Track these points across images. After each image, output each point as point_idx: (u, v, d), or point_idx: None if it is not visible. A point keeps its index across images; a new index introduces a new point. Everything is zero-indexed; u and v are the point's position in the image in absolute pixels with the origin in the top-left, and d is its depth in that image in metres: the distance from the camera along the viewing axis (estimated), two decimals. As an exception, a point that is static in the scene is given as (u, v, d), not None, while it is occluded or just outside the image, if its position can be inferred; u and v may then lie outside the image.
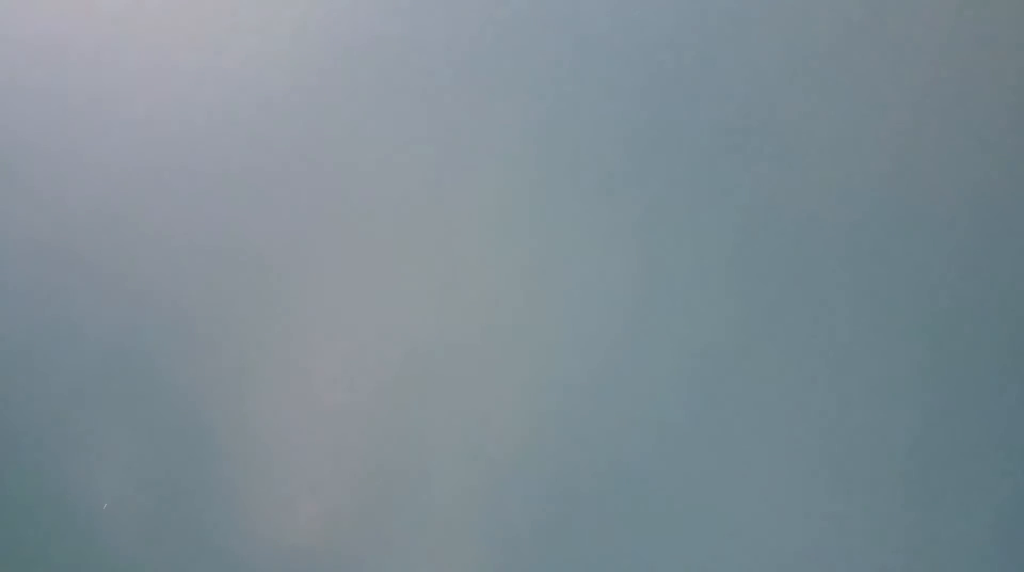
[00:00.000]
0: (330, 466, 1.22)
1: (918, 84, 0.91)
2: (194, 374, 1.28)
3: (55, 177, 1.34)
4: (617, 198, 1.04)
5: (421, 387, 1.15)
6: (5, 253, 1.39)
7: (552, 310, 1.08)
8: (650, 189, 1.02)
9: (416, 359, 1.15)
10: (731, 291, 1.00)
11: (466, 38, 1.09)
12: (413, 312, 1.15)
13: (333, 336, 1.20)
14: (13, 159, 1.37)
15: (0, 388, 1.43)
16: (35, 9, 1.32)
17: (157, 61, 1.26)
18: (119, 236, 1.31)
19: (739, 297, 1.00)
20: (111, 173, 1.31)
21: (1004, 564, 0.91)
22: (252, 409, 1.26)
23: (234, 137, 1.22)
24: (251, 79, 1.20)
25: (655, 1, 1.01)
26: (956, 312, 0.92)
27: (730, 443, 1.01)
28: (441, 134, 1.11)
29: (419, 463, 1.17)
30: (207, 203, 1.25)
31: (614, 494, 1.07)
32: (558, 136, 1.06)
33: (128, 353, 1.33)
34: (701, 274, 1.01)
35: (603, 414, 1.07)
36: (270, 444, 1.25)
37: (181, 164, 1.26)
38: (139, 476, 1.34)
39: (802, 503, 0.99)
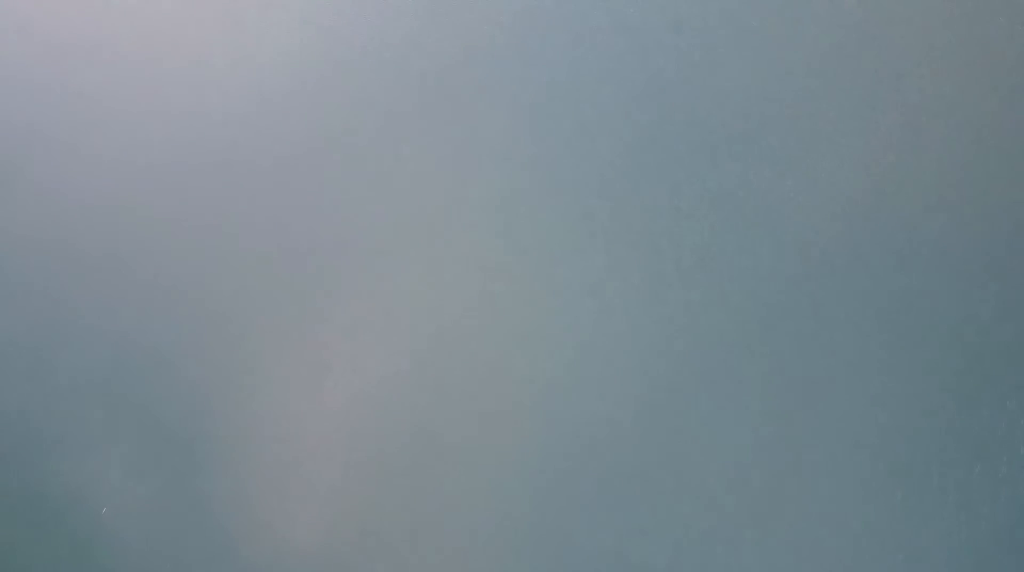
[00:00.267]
0: (334, 468, 1.22)
1: (919, 85, 0.91)
2: (196, 376, 1.28)
3: (58, 174, 1.34)
4: (618, 200, 1.04)
5: (426, 388, 1.15)
6: (7, 251, 1.39)
7: (554, 310, 1.08)
8: (651, 190, 1.02)
9: (420, 360, 1.15)
10: (732, 291, 1.00)
11: (470, 41, 1.09)
12: (418, 312, 1.15)
13: (337, 337, 1.20)
14: (15, 157, 1.37)
15: (1, 390, 1.42)
16: (46, 6, 1.32)
17: (164, 57, 1.26)
18: (122, 234, 1.31)
19: (740, 297, 1.00)
20: (113, 171, 1.30)
21: (1006, 566, 0.92)
22: (253, 411, 1.26)
23: (239, 136, 1.22)
24: (254, 76, 1.20)
25: (655, 2, 1.01)
26: (957, 314, 0.92)
27: (733, 442, 1.01)
28: (444, 134, 1.11)
29: (424, 465, 1.17)
30: (209, 203, 1.25)
31: (619, 492, 1.07)
32: (559, 136, 1.06)
33: (128, 355, 1.33)
34: (701, 275, 1.01)
35: (606, 412, 1.07)
36: (273, 445, 1.25)
37: (183, 163, 1.26)
38: (140, 479, 1.34)
39: (801, 500, 0.99)
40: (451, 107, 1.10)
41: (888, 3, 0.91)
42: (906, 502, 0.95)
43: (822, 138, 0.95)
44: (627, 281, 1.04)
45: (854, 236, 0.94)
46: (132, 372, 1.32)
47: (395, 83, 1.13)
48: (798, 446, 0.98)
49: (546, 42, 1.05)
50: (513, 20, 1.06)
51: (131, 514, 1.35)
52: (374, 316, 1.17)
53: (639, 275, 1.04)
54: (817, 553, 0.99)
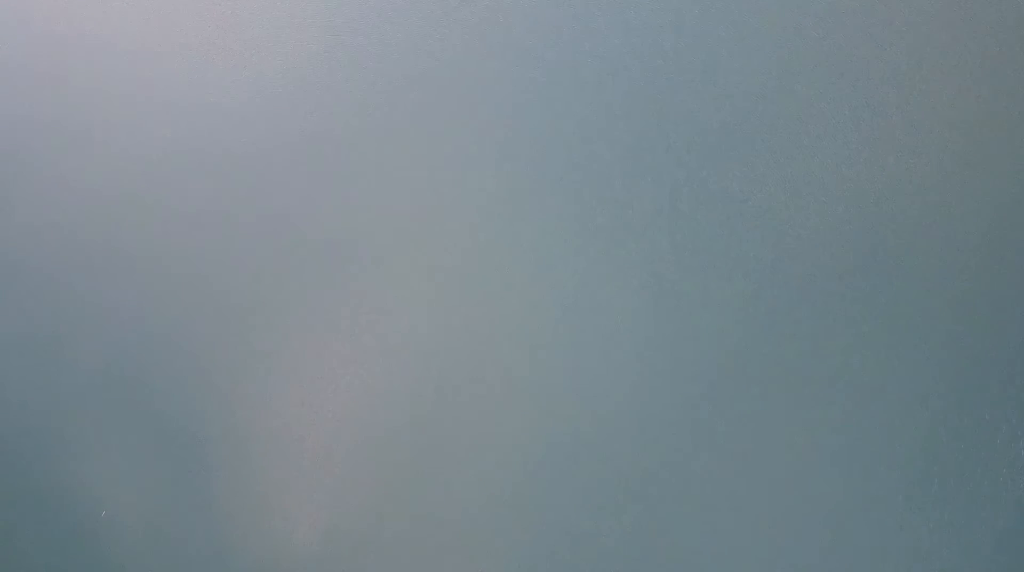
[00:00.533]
0: (335, 467, 1.22)
1: (920, 85, 0.91)
2: (200, 371, 1.28)
3: (65, 169, 1.35)
4: (618, 201, 1.04)
5: (427, 387, 1.15)
6: (14, 246, 1.40)
7: (554, 309, 1.08)
8: (652, 191, 1.02)
9: (421, 359, 1.15)
10: (732, 291, 1.00)
11: (471, 42, 1.09)
12: (418, 312, 1.15)
13: (339, 335, 1.20)
14: (21, 152, 1.37)
15: (6, 384, 1.43)
16: (51, 4, 1.33)
17: (171, 55, 1.26)
18: (128, 229, 1.31)
19: (740, 297, 0.99)
20: (119, 167, 1.31)
21: (1007, 569, 0.91)
22: (255, 408, 1.26)
23: (244, 133, 1.23)
24: (259, 74, 1.21)
25: (655, 3, 1.01)
26: (957, 317, 0.92)
27: (733, 443, 1.01)
28: (444, 135, 1.12)
29: (425, 464, 1.16)
30: (215, 200, 1.25)
31: (618, 491, 1.07)
32: (559, 137, 1.06)
33: (133, 351, 1.33)
34: (701, 275, 1.01)
35: (606, 412, 1.07)
36: (276, 443, 1.25)
37: (188, 159, 1.26)
38: (139, 482, 1.34)
39: (801, 504, 0.99)
40: (452, 107, 1.10)
41: (888, 4, 0.92)
42: (907, 506, 0.94)
43: (823, 139, 0.95)
44: (627, 281, 1.04)
45: (854, 237, 0.94)
46: (137, 366, 1.32)
47: (396, 83, 1.13)
48: (797, 449, 0.98)
49: (547, 43, 1.05)
50: (514, 21, 1.07)
51: (133, 512, 1.35)
52: (376, 314, 1.17)
53: (639, 275, 1.03)
54: (817, 555, 0.98)
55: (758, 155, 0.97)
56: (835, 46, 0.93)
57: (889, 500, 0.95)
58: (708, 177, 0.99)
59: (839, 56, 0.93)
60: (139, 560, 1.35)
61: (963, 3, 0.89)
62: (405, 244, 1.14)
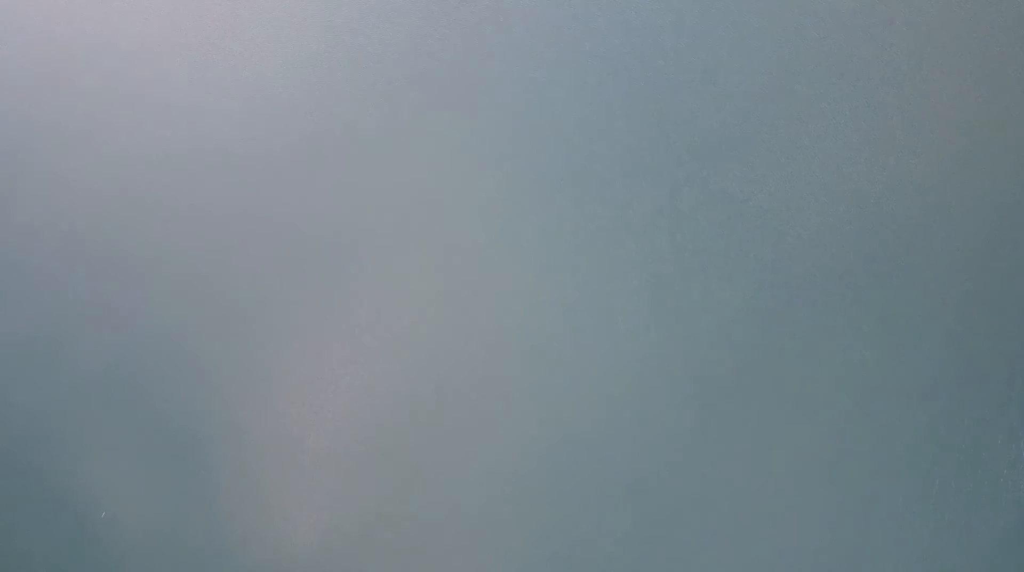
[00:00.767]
0: (337, 467, 1.22)
1: (920, 86, 0.91)
2: (202, 369, 1.28)
3: (67, 168, 1.35)
4: (618, 201, 1.04)
5: (424, 394, 1.15)
6: (16, 244, 1.40)
7: (554, 310, 1.08)
8: (652, 191, 1.02)
9: (422, 359, 1.15)
10: (732, 292, 1.00)
11: (472, 42, 1.09)
12: (419, 312, 1.15)
13: (341, 334, 1.20)
14: (23, 151, 1.37)
15: (9, 383, 1.43)
16: (53, 4, 1.33)
17: (172, 55, 1.26)
18: (130, 228, 1.31)
19: (740, 298, 0.99)
20: (121, 166, 1.31)
21: (1008, 569, 0.91)
22: (254, 413, 1.26)
23: (245, 132, 1.23)
24: (260, 73, 1.21)
25: (656, 3, 1.01)
26: (957, 318, 0.92)
27: (733, 444, 1.01)
28: (445, 135, 1.12)
29: (421, 472, 1.16)
30: (216, 199, 1.25)
31: (617, 492, 1.07)
32: (559, 137, 1.06)
33: (129, 358, 1.33)
34: (701, 275, 1.01)
35: (607, 413, 1.07)
36: (278, 442, 1.25)
37: (190, 158, 1.26)
38: (139, 483, 1.34)
39: (801, 505, 0.99)
40: (452, 107, 1.10)
41: (888, 4, 0.92)
42: (907, 506, 0.94)
43: (823, 139, 0.95)
44: (627, 281, 1.04)
45: (854, 237, 0.94)
46: (137, 366, 1.32)
47: (396, 83, 1.13)
48: (797, 449, 0.98)
49: (547, 43, 1.05)
50: (514, 21, 1.07)
51: (133, 512, 1.35)
52: (376, 314, 1.17)
53: (639, 275, 1.03)
54: (818, 555, 0.98)
55: (758, 155, 0.97)
56: (835, 46, 0.93)
57: (889, 500, 0.95)
58: (708, 177, 0.99)
59: (839, 56, 0.93)
60: (139, 560, 1.35)
61: (963, 3, 0.89)
62: (405, 244, 1.14)
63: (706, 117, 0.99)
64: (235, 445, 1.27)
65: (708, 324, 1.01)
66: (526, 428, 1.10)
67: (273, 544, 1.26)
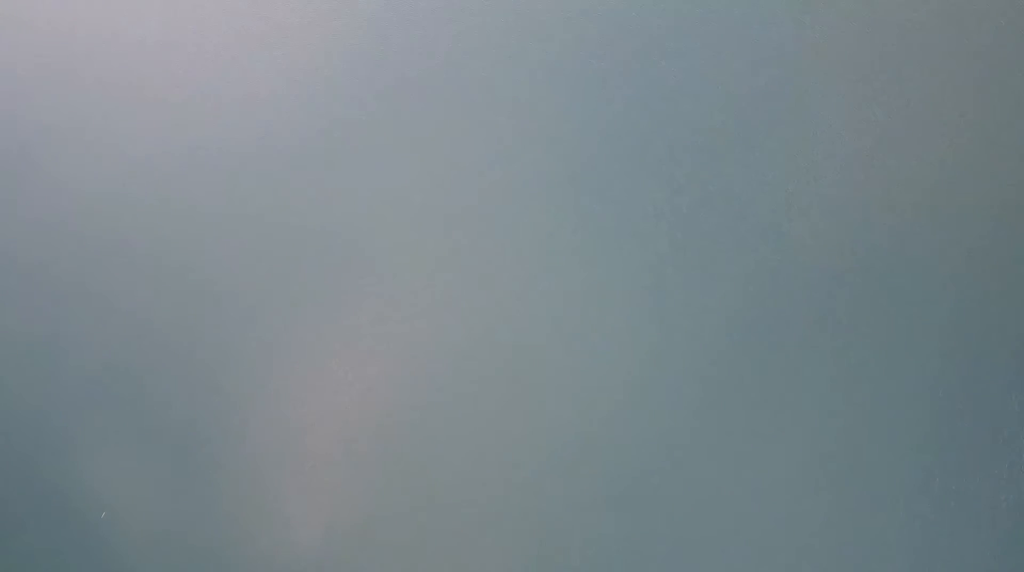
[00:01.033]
0: (337, 466, 1.22)
1: (921, 86, 0.91)
2: (202, 367, 1.28)
3: (68, 167, 1.35)
4: (618, 202, 1.04)
5: (424, 394, 1.15)
6: (18, 243, 1.40)
7: (554, 310, 1.08)
8: (652, 192, 1.02)
9: (419, 364, 1.15)
10: (732, 292, 1.00)
11: (472, 43, 1.09)
12: (419, 312, 1.15)
13: (336, 340, 1.20)
14: (25, 150, 1.37)
15: (8, 382, 1.43)
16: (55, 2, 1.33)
17: (173, 55, 1.26)
18: (130, 227, 1.31)
19: (740, 298, 0.99)
20: (121, 165, 1.31)
21: (1008, 569, 0.91)
22: (254, 413, 1.26)
23: (245, 131, 1.23)
24: (260, 73, 1.21)
25: (656, 4, 1.01)
26: (958, 316, 0.92)
27: (733, 444, 1.01)
28: (445, 135, 1.12)
29: (422, 472, 1.16)
30: (217, 198, 1.25)
31: (618, 493, 1.06)
32: (559, 138, 1.06)
33: (129, 358, 1.33)
34: (702, 276, 1.01)
35: (607, 413, 1.06)
36: (272, 450, 1.25)
37: (189, 158, 1.26)
38: (139, 483, 1.34)
39: (802, 504, 0.98)
40: (451, 108, 1.10)
41: (889, 4, 0.91)
42: (907, 506, 0.94)
43: (823, 140, 0.94)
44: (627, 282, 1.04)
45: (854, 237, 0.94)
46: (137, 366, 1.32)
47: (396, 83, 1.13)
48: (797, 449, 0.98)
49: (548, 44, 1.05)
50: (515, 21, 1.06)
51: (133, 512, 1.35)
52: (377, 315, 1.17)
53: (639, 276, 1.03)
54: (817, 555, 0.98)
55: (758, 155, 0.97)
56: (835, 46, 0.93)
57: (889, 500, 0.95)
58: (708, 177, 0.99)
59: (839, 56, 0.93)
60: (139, 561, 1.35)
61: (963, 3, 0.89)
62: (405, 244, 1.14)
63: (706, 117, 0.99)
64: (235, 445, 1.27)
65: (708, 324, 1.01)
66: (526, 428, 1.10)
67: (273, 544, 1.26)
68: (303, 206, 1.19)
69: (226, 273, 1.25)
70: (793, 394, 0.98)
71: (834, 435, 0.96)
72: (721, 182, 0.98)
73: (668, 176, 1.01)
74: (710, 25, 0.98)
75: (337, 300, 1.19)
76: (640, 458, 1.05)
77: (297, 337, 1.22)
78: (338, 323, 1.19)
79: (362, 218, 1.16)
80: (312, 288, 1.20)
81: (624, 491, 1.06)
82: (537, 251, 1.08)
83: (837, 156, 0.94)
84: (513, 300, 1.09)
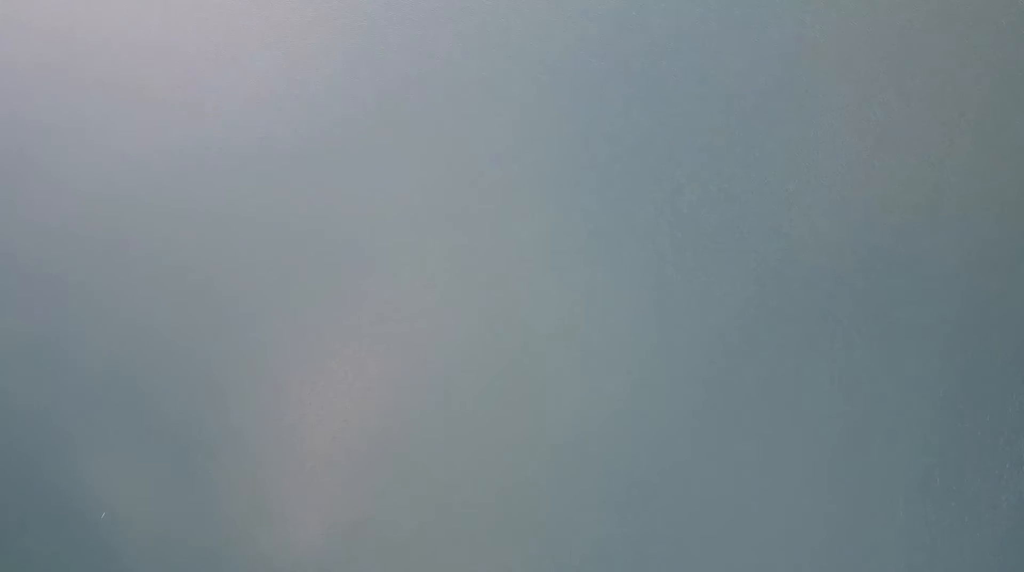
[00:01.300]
0: (333, 475, 1.22)
1: (921, 86, 0.91)
2: (203, 367, 1.28)
3: (69, 167, 1.35)
4: (618, 202, 1.04)
5: (424, 395, 1.15)
6: (19, 243, 1.40)
7: (555, 311, 1.08)
8: (652, 192, 1.02)
9: (419, 365, 1.15)
10: (732, 292, 1.00)
11: (472, 43, 1.09)
12: (420, 312, 1.15)
13: (336, 340, 1.20)
14: (26, 150, 1.37)
15: (10, 382, 1.43)
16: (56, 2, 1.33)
17: (178, 55, 1.26)
18: (131, 227, 1.31)
19: (741, 298, 0.99)
20: (122, 165, 1.31)
21: (1009, 569, 0.91)
22: (255, 413, 1.26)
23: (246, 131, 1.23)
24: (260, 72, 1.21)
25: (657, 4, 1.01)
26: (958, 317, 0.92)
27: (734, 444, 1.01)
28: (445, 135, 1.12)
29: (422, 473, 1.16)
30: (218, 198, 1.25)
31: (618, 493, 1.06)
32: (559, 138, 1.06)
33: (129, 358, 1.33)
34: (702, 276, 1.01)
35: (607, 413, 1.06)
36: (273, 450, 1.25)
37: (190, 158, 1.26)
38: (139, 483, 1.34)
39: (802, 503, 0.99)
40: (451, 108, 1.10)
41: (889, 4, 0.91)
42: (908, 506, 0.94)
43: (823, 140, 0.94)
44: (627, 282, 1.04)
45: (854, 237, 0.94)
46: (138, 366, 1.32)
47: (396, 83, 1.13)
48: (798, 449, 0.98)
49: (548, 44, 1.05)
50: (515, 21, 1.06)
51: (133, 513, 1.35)
52: (377, 315, 1.17)
53: (639, 277, 1.03)
54: (818, 555, 0.98)
55: (759, 155, 0.97)
56: (835, 46, 0.93)
57: (890, 500, 0.95)
58: (709, 178, 0.99)
59: (840, 56, 0.93)
60: (139, 561, 1.35)
61: (963, 3, 0.89)
62: (405, 245, 1.14)
63: (707, 117, 0.99)
64: (236, 446, 1.27)
65: (709, 324, 1.01)
66: (526, 429, 1.10)
67: (273, 544, 1.26)
68: (303, 206, 1.19)
69: (226, 273, 1.25)
70: (794, 394, 0.98)
71: (835, 435, 0.96)
72: (721, 182, 0.98)
73: (668, 176, 1.01)
74: (710, 25, 0.98)
75: (337, 300, 1.19)
76: (640, 458, 1.05)
77: (297, 337, 1.22)
78: (338, 323, 1.19)
79: (362, 218, 1.16)
80: (312, 288, 1.20)
81: (624, 491, 1.06)
82: (537, 251, 1.08)
83: (837, 156, 0.94)
84: (514, 300, 1.09)
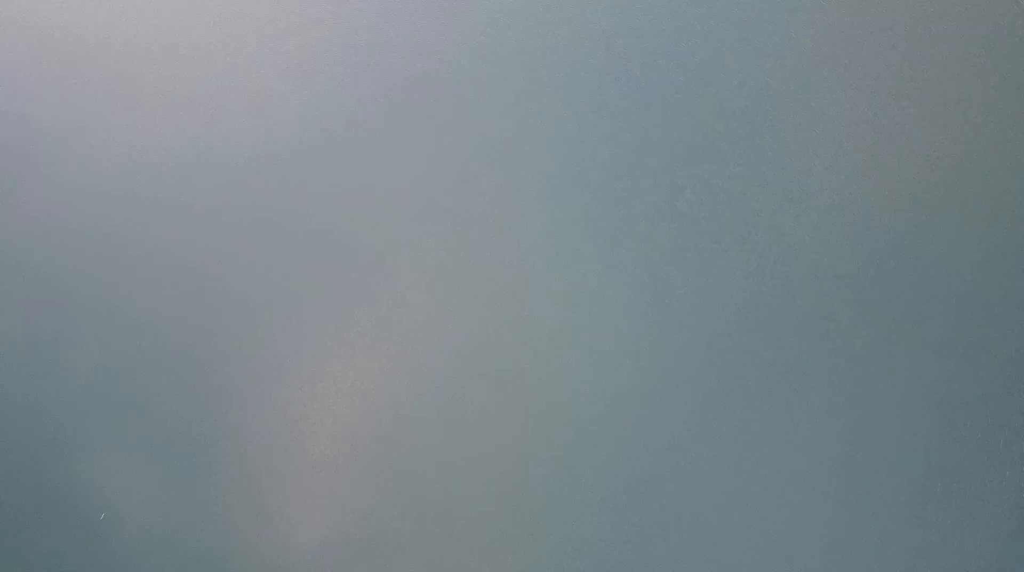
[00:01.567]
0: (333, 476, 1.22)
1: (921, 87, 0.91)
2: (204, 368, 1.28)
3: (70, 168, 1.35)
4: (618, 202, 1.04)
5: (424, 395, 1.15)
6: (20, 244, 1.40)
7: (555, 311, 1.08)
8: (652, 192, 1.02)
9: (419, 366, 1.15)
10: (732, 292, 1.00)
11: (472, 43, 1.09)
12: (420, 313, 1.15)
13: (337, 341, 1.20)
14: (27, 151, 1.37)
15: (11, 383, 1.43)
16: (56, 3, 1.33)
17: (177, 55, 1.26)
18: (131, 227, 1.31)
19: (741, 299, 0.99)
20: (123, 166, 1.31)
21: (1009, 569, 0.91)
22: (255, 414, 1.26)
23: (247, 131, 1.23)
24: (260, 72, 1.21)
25: (657, 4, 1.01)
26: (959, 318, 0.92)
27: (735, 445, 1.01)
28: (445, 135, 1.11)
29: (422, 473, 1.16)
30: (219, 198, 1.25)
31: (619, 494, 1.06)
32: (559, 138, 1.06)
33: (129, 359, 1.33)
34: (702, 276, 1.01)
35: (607, 414, 1.06)
36: (273, 451, 1.25)
37: (191, 158, 1.26)
38: (139, 484, 1.34)
39: (803, 505, 0.98)
40: (451, 107, 1.10)
41: (889, 4, 0.91)
42: (909, 506, 0.94)
43: (824, 139, 0.94)
44: (628, 283, 1.04)
45: (854, 237, 0.94)
46: (138, 367, 1.32)
47: (396, 83, 1.13)
48: (798, 449, 0.98)
49: (548, 44, 1.05)
50: (515, 21, 1.06)
51: (132, 514, 1.35)
52: (378, 315, 1.17)
53: (640, 277, 1.03)
54: (818, 555, 0.98)
55: (759, 155, 0.97)
56: (835, 46, 0.93)
57: (890, 501, 0.94)
58: (709, 178, 0.99)
59: (840, 56, 0.93)
60: (139, 562, 1.35)
61: (963, 3, 0.89)
62: (405, 245, 1.14)
63: (707, 117, 0.99)
64: (236, 446, 1.27)
65: (709, 324, 1.01)
66: (526, 429, 1.10)
67: (274, 545, 1.26)
68: (303, 206, 1.19)
69: (227, 273, 1.25)
70: (794, 395, 0.98)
71: (834, 435, 0.96)
72: (721, 182, 0.98)
73: (668, 176, 1.01)
74: (710, 25, 0.98)
75: (337, 300, 1.19)
76: (641, 459, 1.05)
77: (297, 337, 1.21)
78: (338, 323, 1.19)
79: (363, 217, 1.16)
80: (313, 288, 1.20)
81: (625, 491, 1.06)
82: (537, 251, 1.08)
83: (837, 156, 0.94)
84: (514, 300, 1.09)
